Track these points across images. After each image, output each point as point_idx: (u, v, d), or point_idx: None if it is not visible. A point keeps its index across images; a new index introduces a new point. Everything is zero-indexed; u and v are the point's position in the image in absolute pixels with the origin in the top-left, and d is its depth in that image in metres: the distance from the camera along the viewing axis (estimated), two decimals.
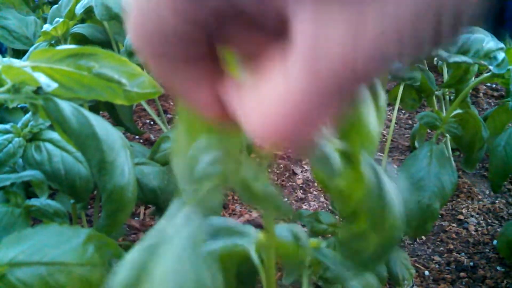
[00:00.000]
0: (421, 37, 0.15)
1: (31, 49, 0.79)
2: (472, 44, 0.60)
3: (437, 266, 0.96)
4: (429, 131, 1.30)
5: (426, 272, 0.95)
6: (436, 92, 1.10)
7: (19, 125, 0.56)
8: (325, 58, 0.15)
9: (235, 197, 1.12)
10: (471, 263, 0.97)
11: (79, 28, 0.80)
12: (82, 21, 0.85)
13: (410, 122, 1.46)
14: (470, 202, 1.14)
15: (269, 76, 0.17)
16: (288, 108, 0.16)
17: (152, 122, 1.42)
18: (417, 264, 0.97)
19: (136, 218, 1.07)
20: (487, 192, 1.18)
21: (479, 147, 0.77)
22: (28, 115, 0.57)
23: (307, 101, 0.15)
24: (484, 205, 1.13)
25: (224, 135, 0.24)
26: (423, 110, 1.50)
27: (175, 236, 0.24)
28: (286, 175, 1.21)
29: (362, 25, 0.14)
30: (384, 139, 1.35)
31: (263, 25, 0.17)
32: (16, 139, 0.55)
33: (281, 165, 1.24)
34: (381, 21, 0.14)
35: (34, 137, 0.56)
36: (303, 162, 1.26)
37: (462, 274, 0.94)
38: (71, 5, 0.81)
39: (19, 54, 1.02)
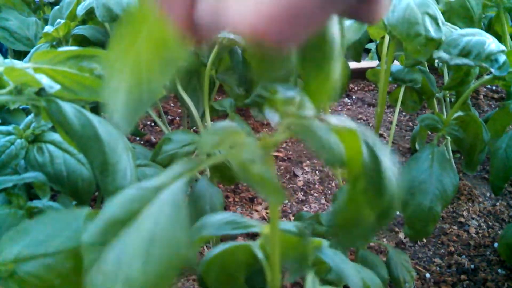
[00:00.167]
0: None
1: (32, 50, 0.79)
2: (474, 46, 0.60)
3: (438, 268, 0.96)
4: (429, 133, 1.30)
5: (427, 275, 0.95)
6: (437, 94, 1.10)
7: (21, 126, 0.56)
8: None
9: (236, 199, 1.12)
10: (472, 266, 0.97)
11: (80, 30, 0.81)
12: (84, 22, 0.85)
13: (410, 124, 1.46)
14: (471, 204, 1.14)
15: None
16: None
17: (153, 124, 1.42)
18: (418, 267, 0.97)
19: None
20: (488, 194, 1.18)
21: (480, 149, 0.77)
22: (30, 117, 0.57)
23: None
24: (485, 207, 1.13)
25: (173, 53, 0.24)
26: (424, 112, 1.50)
27: (164, 191, 0.26)
28: (287, 177, 1.21)
29: None
30: (385, 141, 1.35)
31: None
32: (18, 140, 0.55)
33: (282, 167, 1.24)
34: None
35: (36, 139, 0.56)
36: (304, 164, 1.26)
37: (463, 276, 0.94)
38: (73, 7, 0.81)
39: (20, 55, 1.02)
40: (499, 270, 0.96)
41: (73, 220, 0.33)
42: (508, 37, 0.98)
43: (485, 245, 1.03)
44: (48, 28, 0.76)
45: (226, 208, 1.09)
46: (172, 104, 1.52)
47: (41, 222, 0.34)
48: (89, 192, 0.56)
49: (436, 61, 0.78)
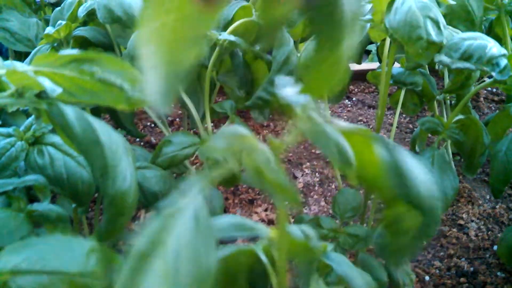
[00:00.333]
0: None
1: (33, 51, 0.79)
2: (475, 50, 0.60)
3: (437, 271, 0.96)
4: (429, 135, 1.30)
5: (427, 278, 0.95)
6: (437, 97, 1.10)
7: (22, 128, 0.56)
8: None
9: (236, 201, 1.12)
10: (472, 269, 0.97)
11: (81, 31, 0.81)
12: (85, 23, 0.85)
13: (411, 126, 1.46)
14: (470, 207, 1.14)
15: None
16: None
17: (153, 125, 1.42)
18: (417, 269, 0.97)
19: (136, 222, 1.07)
20: (488, 197, 1.18)
21: (481, 152, 0.77)
22: (30, 119, 0.57)
23: None
24: (485, 210, 1.13)
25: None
26: (424, 114, 1.50)
27: (183, 211, 0.26)
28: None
29: None
30: None
31: None
32: (19, 143, 0.55)
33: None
34: None
35: (36, 141, 0.56)
36: (304, 166, 1.26)
37: (462, 279, 0.94)
38: (74, 8, 0.81)
39: (20, 56, 1.02)
40: (499, 273, 0.96)
41: (77, 247, 0.33)
42: (508, 39, 0.98)
43: (485, 248, 1.03)
44: (49, 30, 0.75)
45: (225, 210, 1.09)
46: (172, 105, 1.52)
47: (46, 240, 0.34)
48: (89, 195, 0.56)
49: (437, 64, 0.78)
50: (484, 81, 0.72)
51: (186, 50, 0.24)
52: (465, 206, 1.14)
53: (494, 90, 1.63)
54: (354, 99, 1.61)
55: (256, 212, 1.09)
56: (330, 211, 1.08)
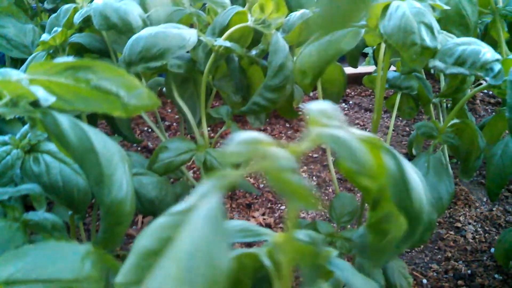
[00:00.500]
0: None
1: (29, 58, 0.79)
2: (469, 55, 0.61)
3: (435, 274, 0.97)
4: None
5: (424, 281, 0.95)
6: (434, 100, 1.10)
7: (17, 136, 0.56)
8: None
9: (233, 205, 1.12)
10: (469, 271, 0.97)
11: (77, 38, 0.81)
12: (81, 30, 0.85)
13: (407, 129, 1.46)
14: (467, 209, 1.14)
15: None
16: None
17: (150, 130, 1.42)
18: (415, 273, 0.97)
19: (134, 227, 1.07)
20: (485, 199, 1.18)
21: (476, 156, 0.78)
22: (26, 127, 0.57)
23: None
24: (482, 212, 1.13)
25: None
26: (421, 116, 1.50)
27: (197, 210, 0.26)
28: None
29: None
30: None
31: None
32: (14, 151, 0.55)
33: None
34: None
35: (32, 149, 0.56)
36: (301, 170, 1.26)
37: (460, 282, 0.95)
38: (69, 15, 0.81)
39: (17, 62, 1.02)
40: (496, 276, 0.96)
41: (71, 253, 0.33)
42: (503, 43, 0.98)
43: (482, 250, 1.03)
44: (45, 36, 0.75)
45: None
46: (169, 110, 1.52)
47: (40, 248, 0.34)
48: (85, 202, 0.56)
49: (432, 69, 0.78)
50: (481, 83, 0.72)
51: None
52: (462, 208, 1.15)
53: (491, 92, 1.63)
54: (351, 102, 1.62)
55: (254, 217, 1.09)
56: (328, 215, 1.08)
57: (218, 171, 0.29)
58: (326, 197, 1.16)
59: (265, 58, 0.81)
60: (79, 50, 0.83)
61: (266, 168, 0.27)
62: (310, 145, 0.30)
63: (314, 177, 1.23)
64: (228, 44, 0.73)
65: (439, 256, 1.01)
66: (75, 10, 0.82)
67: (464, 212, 1.13)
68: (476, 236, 1.06)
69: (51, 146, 0.57)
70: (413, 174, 0.32)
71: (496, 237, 1.06)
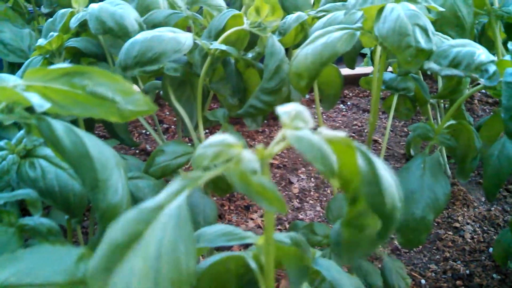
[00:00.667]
0: None
1: (25, 63, 0.79)
2: (464, 57, 0.61)
3: (433, 274, 0.97)
4: None
5: (423, 281, 0.95)
6: (431, 100, 1.10)
7: (13, 141, 0.57)
8: None
9: (231, 207, 1.12)
10: (467, 271, 0.97)
11: (73, 42, 0.81)
12: (77, 34, 0.86)
13: (405, 129, 1.46)
14: (466, 209, 1.14)
15: None
16: None
17: (148, 133, 1.42)
18: (413, 273, 0.97)
19: None
20: (483, 199, 1.18)
21: (473, 157, 0.78)
22: (22, 132, 0.57)
23: None
24: (480, 212, 1.13)
25: None
26: (419, 117, 1.50)
27: (165, 209, 0.26)
28: (282, 184, 1.21)
29: None
30: (379, 147, 1.36)
31: None
32: (10, 156, 0.55)
33: (277, 174, 1.25)
34: None
35: (28, 154, 0.56)
36: (299, 172, 1.26)
37: (458, 282, 0.95)
38: (66, 19, 0.81)
39: (14, 67, 1.02)
40: (494, 275, 0.96)
41: (66, 256, 0.33)
42: (500, 43, 0.98)
43: (480, 250, 1.03)
44: (41, 41, 0.76)
45: (221, 216, 1.09)
46: (168, 113, 1.52)
47: (34, 252, 0.34)
48: (81, 207, 0.56)
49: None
50: (478, 84, 0.72)
51: None
52: (461, 208, 1.15)
53: (488, 92, 1.63)
54: (348, 103, 1.62)
55: (252, 218, 1.10)
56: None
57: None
58: (324, 198, 1.16)
59: (261, 61, 0.81)
60: (75, 55, 0.83)
61: (231, 170, 0.28)
62: (278, 147, 0.30)
63: (312, 178, 1.23)
64: (224, 47, 0.73)
65: (437, 257, 1.01)
66: (72, 14, 0.82)
67: (462, 212, 1.13)
68: (475, 236, 1.07)
69: (47, 151, 0.57)
70: (386, 173, 0.32)
71: (494, 237, 1.06)
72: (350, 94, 1.67)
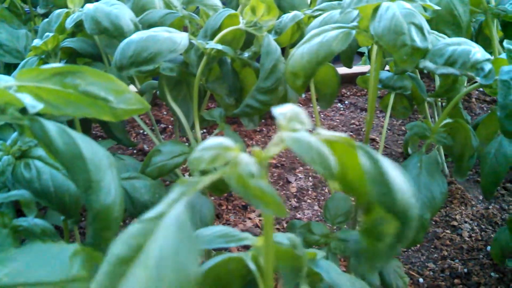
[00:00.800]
0: None
1: (21, 63, 0.79)
2: (459, 55, 0.61)
3: (431, 273, 0.97)
4: None
5: (420, 280, 0.95)
6: (428, 99, 1.10)
7: (8, 142, 0.56)
8: None
9: (229, 207, 1.12)
10: (465, 270, 0.97)
11: (69, 42, 0.81)
12: (73, 35, 0.85)
13: (403, 128, 1.46)
14: (463, 208, 1.14)
15: None
16: None
17: (145, 133, 1.42)
18: (411, 272, 0.97)
19: None
20: (481, 197, 1.18)
21: (469, 155, 0.78)
22: (17, 133, 0.57)
23: None
24: (478, 210, 1.13)
25: None
26: (417, 116, 1.50)
27: (165, 217, 0.26)
28: (280, 184, 1.21)
29: None
30: (377, 146, 1.35)
31: None
32: (5, 157, 0.55)
33: (275, 174, 1.24)
34: None
35: (23, 155, 0.56)
36: (297, 171, 1.26)
37: (456, 281, 0.95)
38: (61, 19, 0.81)
39: (10, 67, 1.02)
40: (492, 274, 0.96)
41: (59, 254, 0.33)
42: (496, 42, 0.98)
43: (478, 249, 1.03)
44: (36, 42, 0.75)
45: (219, 216, 1.09)
46: (165, 112, 1.52)
47: (27, 252, 0.34)
48: (77, 207, 0.56)
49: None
50: (476, 82, 0.72)
51: None
52: (458, 207, 1.15)
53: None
54: (346, 102, 1.62)
55: (250, 218, 1.09)
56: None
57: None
58: (322, 198, 1.16)
59: (257, 60, 0.81)
60: (71, 55, 0.83)
61: (229, 174, 0.28)
62: (276, 149, 0.30)
63: (310, 178, 1.23)
64: (219, 47, 0.73)
65: (435, 255, 1.01)
66: (67, 15, 0.82)
67: (460, 210, 1.13)
68: (473, 235, 1.06)
69: (42, 152, 0.57)
70: (394, 171, 0.31)
71: (492, 235, 1.06)
72: (348, 93, 1.67)
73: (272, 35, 0.82)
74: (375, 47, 0.78)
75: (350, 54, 1.03)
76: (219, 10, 0.82)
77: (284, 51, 0.99)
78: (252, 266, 0.40)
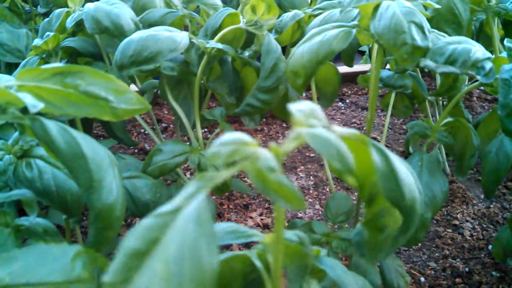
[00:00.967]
0: None
1: (22, 63, 0.79)
2: (460, 54, 0.61)
3: (432, 272, 0.97)
4: None
5: (422, 279, 0.95)
6: (429, 98, 1.10)
7: (10, 142, 0.56)
8: None
9: (230, 206, 1.12)
10: (467, 269, 0.97)
11: (70, 42, 0.81)
12: (73, 34, 0.86)
13: (404, 127, 1.46)
14: (465, 207, 1.14)
15: None
16: None
17: (147, 132, 1.42)
18: (412, 271, 0.97)
19: (131, 229, 1.07)
20: (482, 196, 1.18)
21: (470, 154, 0.78)
22: (18, 132, 0.57)
23: None
24: (479, 209, 1.13)
25: None
26: (418, 114, 1.50)
27: (183, 211, 0.26)
28: None
29: None
30: None
31: None
32: (7, 156, 0.55)
33: None
34: None
35: (24, 154, 0.56)
36: (298, 170, 1.26)
37: (457, 280, 0.95)
38: (62, 19, 0.81)
39: (11, 67, 1.02)
40: (494, 273, 0.96)
41: (61, 255, 0.33)
42: (497, 40, 0.98)
43: (480, 248, 1.03)
44: (37, 41, 0.76)
45: (220, 215, 1.09)
46: (166, 112, 1.52)
47: (29, 252, 0.34)
48: (79, 206, 0.56)
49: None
50: (477, 80, 0.72)
51: None
52: (460, 206, 1.14)
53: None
54: (347, 101, 1.62)
55: (251, 217, 1.09)
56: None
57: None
58: (324, 197, 1.16)
59: (258, 59, 0.81)
60: (72, 54, 0.83)
61: (248, 168, 0.28)
62: (292, 145, 0.30)
63: (311, 177, 1.23)
64: (220, 46, 0.73)
65: (436, 254, 1.01)
66: (68, 14, 0.82)
67: (461, 209, 1.13)
68: (474, 234, 1.06)
69: (44, 151, 0.57)
70: (403, 168, 0.32)
71: (493, 234, 1.06)
72: (349, 92, 1.67)
73: (272, 34, 0.82)
74: (375, 46, 0.78)
75: (351, 53, 1.03)
76: (220, 9, 0.83)
77: (285, 50, 0.99)
78: (258, 263, 0.40)
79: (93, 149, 0.44)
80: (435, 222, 1.10)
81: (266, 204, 1.14)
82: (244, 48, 0.85)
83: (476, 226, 1.09)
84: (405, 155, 1.31)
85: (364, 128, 1.44)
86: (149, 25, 0.80)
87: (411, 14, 0.60)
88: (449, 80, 0.75)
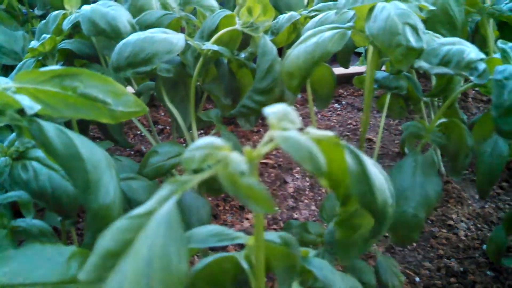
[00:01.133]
0: None
1: (18, 65, 0.79)
2: (454, 55, 0.61)
3: (427, 272, 0.97)
4: None
5: (417, 279, 0.96)
6: (425, 98, 1.11)
7: (6, 144, 0.57)
8: None
9: (226, 207, 1.13)
10: (461, 269, 0.98)
11: (66, 44, 0.81)
12: (70, 36, 0.86)
13: (399, 128, 1.47)
14: (460, 207, 1.15)
15: None
16: None
17: (143, 134, 1.42)
18: (407, 271, 0.97)
19: None
20: (477, 196, 1.19)
21: (465, 155, 0.78)
22: (14, 134, 0.58)
23: None
24: (474, 209, 1.14)
25: None
26: (413, 115, 1.51)
27: (155, 215, 0.27)
28: (277, 184, 1.21)
29: None
30: (373, 146, 1.36)
31: None
32: (3, 158, 0.55)
33: (272, 174, 1.25)
34: None
35: (20, 156, 0.56)
36: (294, 171, 1.26)
37: (452, 279, 0.95)
38: (58, 21, 0.81)
39: (8, 69, 1.02)
40: (488, 272, 0.97)
41: (57, 255, 0.34)
42: (492, 41, 0.99)
43: (474, 248, 1.03)
44: (34, 43, 0.76)
45: (216, 216, 1.09)
46: (162, 113, 1.52)
47: (25, 253, 0.34)
48: (74, 208, 0.56)
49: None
50: (471, 81, 0.73)
51: None
52: (455, 206, 1.15)
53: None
54: (343, 102, 1.62)
55: (247, 218, 1.10)
56: None
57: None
58: (319, 198, 1.17)
59: (254, 61, 0.81)
60: (69, 56, 0.83)
61: (219, 172, 0.28)
62: (265, 149, 0.30)
63: (307, 178, 1.23)
64: (216, 47, 0.74)
65: (431, 254, 1.02)
66: (64, 16, 0.82)
67: (456, 209, 1.14)
68: (469, 234, 1.07)
69: (40, 153, 0.57)
70: (376, 170, 0.32)
71: (488, 234, 1.06)
72: (345, 93, 1.67)
73: (268, 36, 0.82)
74: (370, 47, 0.79)
75: (347, 54, 1.03)
76: (216, 11, 0.83)
77: (281, 52, 0.99)
78: (244, 264, 0.40)
79: (90, 150, 0.44)
80: (430, 222, 1.10)
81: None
82: (240, 49, 0.86)
83: (471, 226, 1.09)
84: (401, 156, 1.31)
85: (360, 129, 1.45)
86: (146, 27, 0.80)
87: (406, 16, 0.61)
88: (444, 81, 0.76)
